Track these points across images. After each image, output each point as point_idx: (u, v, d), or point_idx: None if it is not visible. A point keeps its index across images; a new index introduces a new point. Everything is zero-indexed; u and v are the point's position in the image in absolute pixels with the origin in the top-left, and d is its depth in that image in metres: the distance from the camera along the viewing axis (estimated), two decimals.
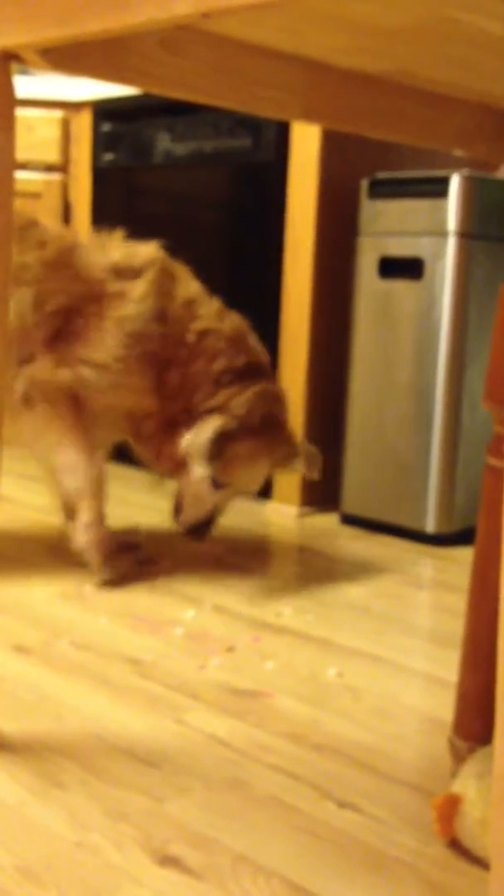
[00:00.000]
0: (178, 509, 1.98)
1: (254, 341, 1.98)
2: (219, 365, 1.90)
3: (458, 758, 1.15)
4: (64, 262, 1.91)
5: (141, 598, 1.85)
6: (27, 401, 1.88)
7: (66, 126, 2.97)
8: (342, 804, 1.15)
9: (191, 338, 1.92)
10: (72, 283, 1.90)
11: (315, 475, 2.01)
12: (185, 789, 1.16)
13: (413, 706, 1.44)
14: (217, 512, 1.97)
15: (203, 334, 1.92)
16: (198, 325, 1.92)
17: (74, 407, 1.91)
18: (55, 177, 2.98)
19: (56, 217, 2.94)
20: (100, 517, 1.92)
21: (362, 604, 1.89)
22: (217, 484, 1.90)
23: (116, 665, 1.53)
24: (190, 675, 1.50)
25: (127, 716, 1.35)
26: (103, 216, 2.86)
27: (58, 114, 2.95)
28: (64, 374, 1.88)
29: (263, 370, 1.98)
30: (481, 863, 1.01)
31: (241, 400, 1.87)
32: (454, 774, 1.11)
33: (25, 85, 2.90)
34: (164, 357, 1.91)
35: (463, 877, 1.01)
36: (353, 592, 1.95)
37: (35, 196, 2.96)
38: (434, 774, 1.22)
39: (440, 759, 1.23)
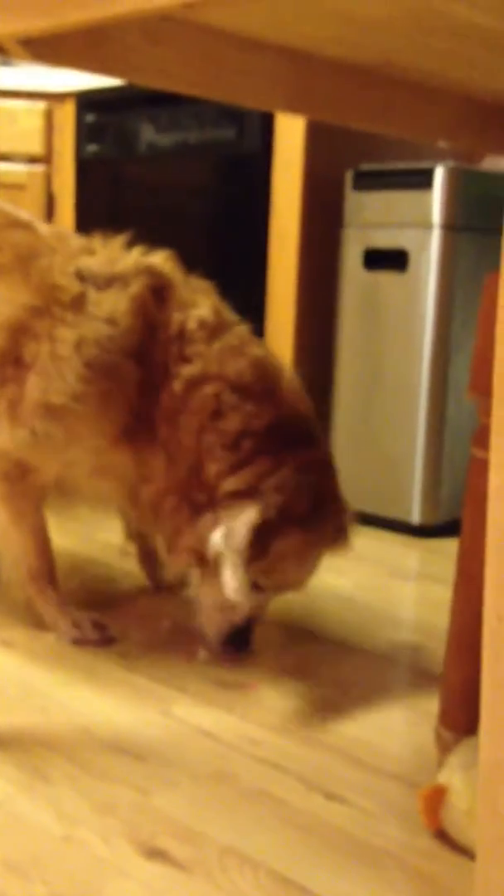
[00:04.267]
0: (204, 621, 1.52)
1: (287, 388, 1.50)
2: (231, 425, 1.43)
3: (445, 749, 1.16)
4: (19, 266, 1.52)
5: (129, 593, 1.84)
6: None
7: (49, 117, 2.95)
8: (329, 796, 1.15)
9: (177, 387, 1.45)
10: (21, 292, 1.49)
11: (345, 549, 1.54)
12: (172, 782, 1.16)
13: (399, 697, 1.45)
14: (258, 615, 1.53)
15: (193, 384, 1.45)
16: (186, 371, 1.46)
17: (20, 482, 1.55)
18: (38, 168, 2.96)
19: (39, 209, 2.93)
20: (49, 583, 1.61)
21: (348, 595, 1.89)
22: (258, 587, 1.44)
23: (103, 658, 1.52)
24: (177, 667, 1.50)
25: (113, 709, 1.35)
26: (87, 208, 2.85)
27: (41, 105, 2.93)
28: (16, 437, 1.48)
29: (300, 428, 1.48)
30: (467, 853, 1.01)
31: (277, 481, 1.40)
32: (440, 765, 1.11)
33: (7, 76, 2.88)
34: (142, 403, 1.47)
35: (449, 867, 1.02)
36: (339, 584, 1.95)
37: (18, 188, 2.94)
38: (420, 766, 1.22)
39: (426, 751, 1.24)
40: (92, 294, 1.48)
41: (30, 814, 1.08)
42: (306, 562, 1.46)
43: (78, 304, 1.47)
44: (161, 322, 1.48)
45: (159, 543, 1.56)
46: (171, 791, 1.14)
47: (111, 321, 1.45)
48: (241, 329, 1.54)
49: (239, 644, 1.51)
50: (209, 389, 1.45)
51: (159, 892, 0.95)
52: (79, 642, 1.57)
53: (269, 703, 1.40)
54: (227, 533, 1.38)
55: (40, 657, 1.52)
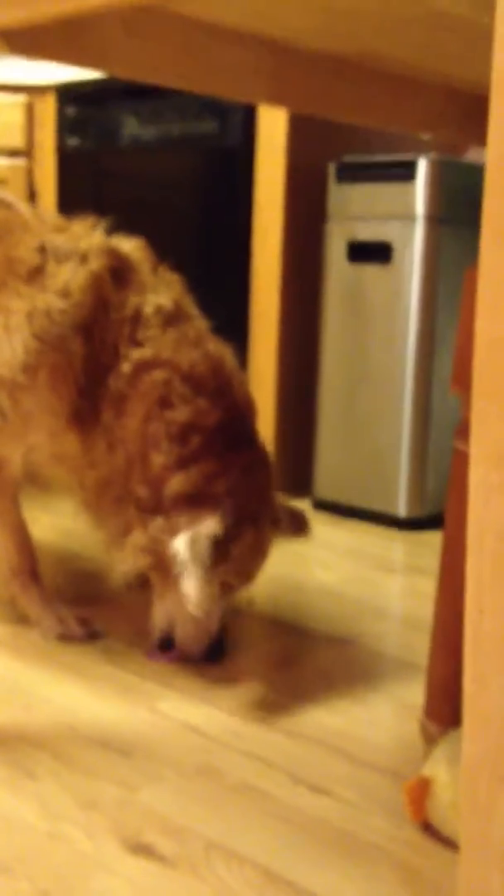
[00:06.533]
0: (170, 635, 1.49)
1: (238, 388, 1.48)
2: (179, 416, 1.40)
3: (430, 741, 1.16)
4: None
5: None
6: None
7: (29, 110, 2.94)
8: (315, 789, 1.15)
9: (126, 369, 1.42)
10: None
11: (306, 534, 1.57)
12: (158, 777, 1.16)
13: (385, 690, 1.45)
14: (225, 619, 1.52)
15: (143, 368, 1.42)
16: (137, 354, 1.43)
17: None
18: (19, 162, 2.94)
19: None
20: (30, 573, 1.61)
21: (334, 588, 1.89)
22: (230, 586, 1.45)
23: (87, 653, 1.52)
24: (162, 662, 1.50)
25: (99, 705, 1.35)
26: (69, 201, 2.83)
27: (21, 98, 2.91)
28: None
29: (243, 430, 1.48)
30: (452, 845, 1.02)
31: (229, 485, 1.39)
32: (426, 757, 1.11)
33: None
34: (88, 382, 1.44)
35: (434, 859, 1.02)
36: (326, 577, 1.95)
37: None
38: (406, 758, 1.22)
39: (412, 743, 1.24)
40: (51, 267, 1.45)
41: (14, 810, 1.08)
42: (262, 555, 1.47)
43: (34, 276, 1.45)
44: (116, 303, 1.45)
45: (103, 535, 1.52)
46: (156, 786, 1.14)
47: (64, 293, 1.42)
48: (201, 323, 1.52)
49: (216, 651, 1.50)
50: (159, 375, 1.41)
51: (145, 887, 0.95)
52: (63, 638, 1.57)
53: (255, 697, 1.40)
54: (192, 542, 1.34)
55: (24, 653, 1.51)
